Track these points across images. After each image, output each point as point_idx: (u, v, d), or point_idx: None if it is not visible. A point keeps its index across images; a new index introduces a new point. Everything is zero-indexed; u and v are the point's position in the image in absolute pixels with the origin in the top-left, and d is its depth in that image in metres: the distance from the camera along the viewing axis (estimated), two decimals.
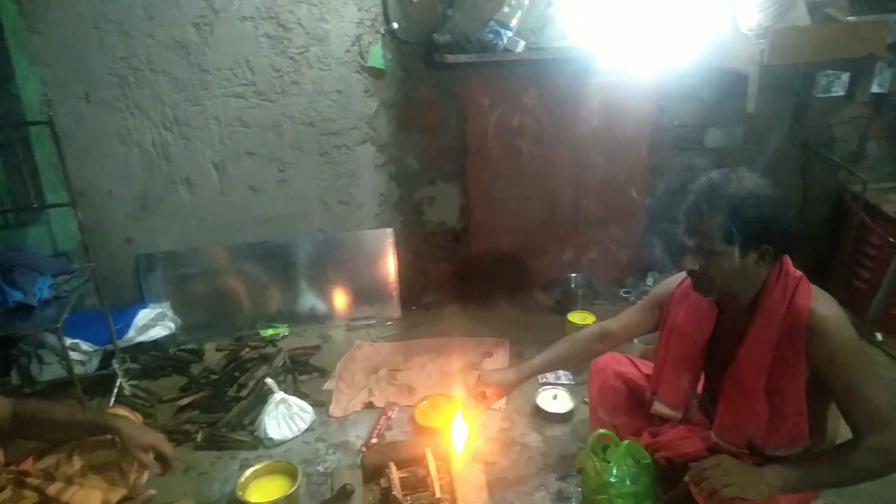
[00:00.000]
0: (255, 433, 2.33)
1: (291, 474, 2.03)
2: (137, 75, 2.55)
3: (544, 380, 2.57)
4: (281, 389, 2.52)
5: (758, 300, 1.55)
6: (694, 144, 3.15)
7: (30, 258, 2.23)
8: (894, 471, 1.48)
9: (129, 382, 2.63)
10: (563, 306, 3.04)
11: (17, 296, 2.09)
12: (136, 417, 1.85)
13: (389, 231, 3.04)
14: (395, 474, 1.93)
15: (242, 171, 2.81)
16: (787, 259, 1.55)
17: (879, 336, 2.75)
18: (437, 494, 1.86)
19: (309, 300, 3.09)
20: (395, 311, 3.15)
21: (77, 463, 1.77)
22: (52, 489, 1.68)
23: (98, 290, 2.54)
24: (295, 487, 1.96)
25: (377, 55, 2.68)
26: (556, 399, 2.43)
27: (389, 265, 3.09)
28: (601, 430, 1.97)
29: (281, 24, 2.60)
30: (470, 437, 1.89)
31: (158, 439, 1.69)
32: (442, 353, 2.82)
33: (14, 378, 2.61)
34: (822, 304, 1.47)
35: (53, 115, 2.47)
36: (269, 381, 2.41)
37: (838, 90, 2.90)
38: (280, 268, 3.02)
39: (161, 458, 1.67)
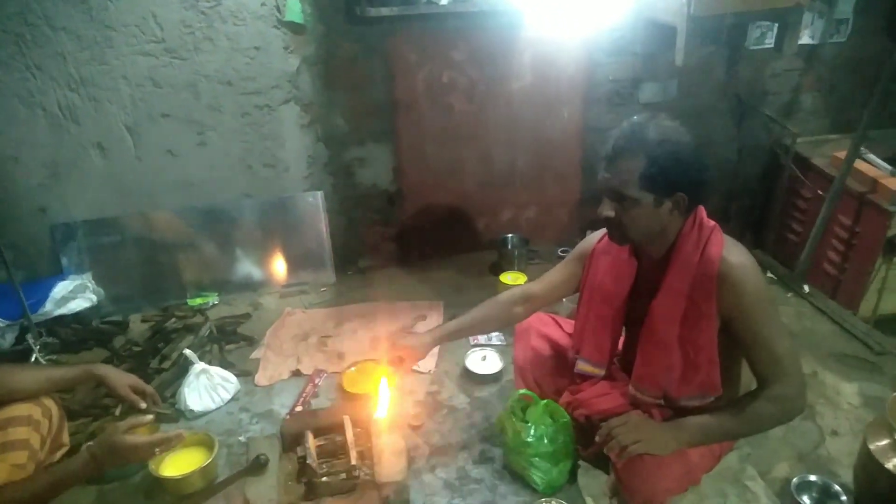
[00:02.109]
0: (177, 405, 2.27)
1: (209, 446, 1.97)
2: (35, 32, 2.38)
3: (476, 341, 2.55)
4: (206, 360, 2.46)
5: (672, 250, 1.54)
6: (628, 100, 3.10)
7: None
8: (793, 418, 1.52)
9: (47, 357, 2.53)
10: (501, 267, 3.01)
11: None
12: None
13: (319, 194, 2.94)
14: (312, 443, 1.90)
15: (158, 134, 2.67)
16: (702, 210, 1.55)
17: (807, 288, 2.79)
18: (353, 462, 1.83)
19: (239, 267, 2.99)
20: (329, 276, 3.08)
21: None
22: None
23: (4, 262, 2.42)
24: (210, 459, 1.90)
25: (295, 9, 2.54)
26: (485, 360, 2.41)
27: (322, 230, 3.00)
28: (521, 391, 1.97)
29: None
30: (392, 402, 1.85)
31: (135, 379, 1.96)
32: (375, 318, 2.77)
33: None
34: (734, 254, 1.47)
35: None
36: (187, 351, 2.33)
37: (770, 42, 2.87)
38: (207, 235, 2.91)
39: (142, 393, 1.94)
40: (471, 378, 2.37)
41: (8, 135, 2.52)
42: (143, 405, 1.92)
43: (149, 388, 1.98)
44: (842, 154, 2.61)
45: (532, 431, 1.82)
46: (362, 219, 3.09)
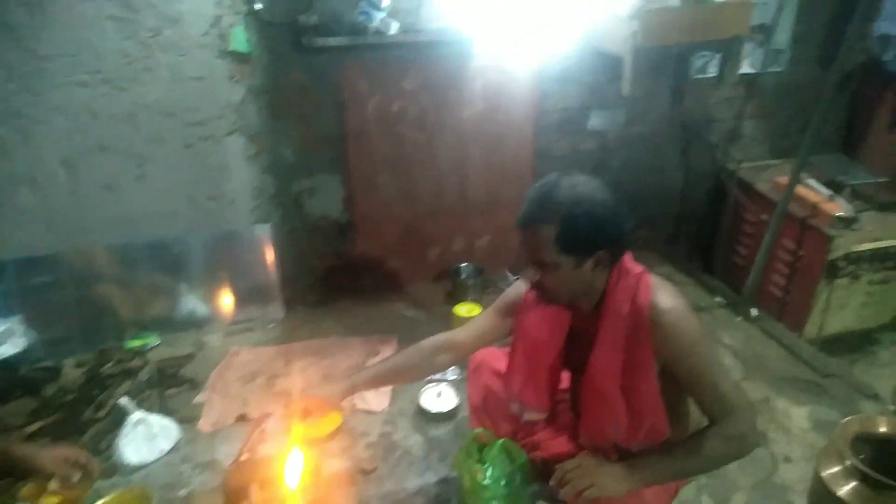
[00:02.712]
0: (112, 458, 2.12)
1: (146, 502, 1.85)
2: None
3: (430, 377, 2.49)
4: (146, 406, 2.33)
5: (602, 303, 1.52)
6: (578, 128, 3.12)
7: None
8: (748, 453, 1.50)
9: None
10: (455, 297, 2.97)
11: None
12: None
13: (267, 227, 2.85)
14: (257, 496, 1.79)
15: (95, 167, 2.53)
16: (627, 257, 1.53)
17: (754, 312, 2.83)
18: None
19: (182, 305, 2.86)
20: (278, 311, 2.97)
21: None
22: None
23: None
24: None
25: (240, 38, 2.47)
26: (440, 397, 2.35)
27: (269, 263, 2.90)
28: (477, 430, 1.91)
29: (127, 3, 2.34)
30: (306, 467, 1.72)
31: (66, 450, 1.82)
32: (326, 355, 2.68)
33: None
34: (663, 298, 1.46)
35: None
36: (122, 400, 2.20)
37: (713, 71, 2.95)
38: (148, 271, 2.77)
39: (79, 466, 1.80)
40: (425, 416, 2.31)
41: None
42: (76, 478, 1.77)
43: (83, 457, 1.81)
44: (783, 179, 2.68)
45: (489, 473, 1.76)
46: (312, 251, 3.00)
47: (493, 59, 2.75)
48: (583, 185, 1.40)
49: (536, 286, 1.53)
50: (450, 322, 2.69)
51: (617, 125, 3.15)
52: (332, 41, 2.42)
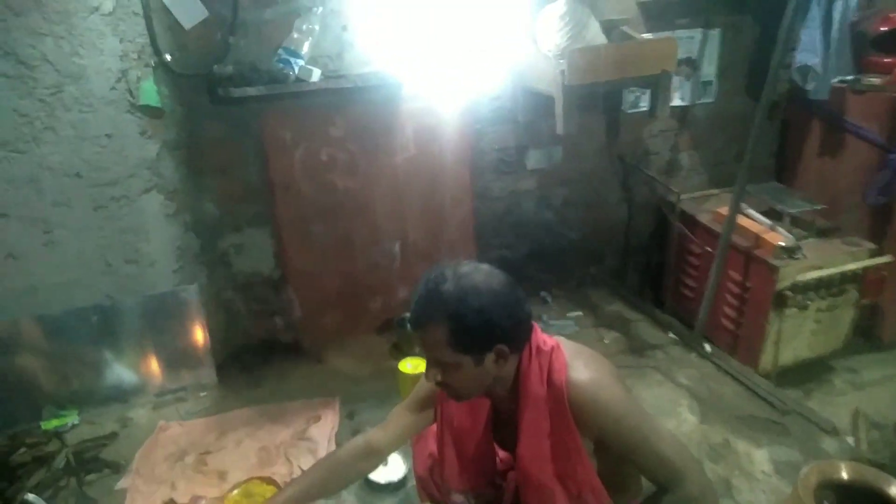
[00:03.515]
0: None
1: None
2: None
3: None
4: (62, 496, 2.10)
5: (517, 387, 1.41)
6: (516, 167, 3.07)
7: None
8: None
9: None
10: (401, 350, 2.82)
11: None
12: None
13: (193, 288, 2.66)
14: None
15: None
16: (536, 332, 1.42)
17: (708, 347, 2.78)
18: None
19: (105, 377, 2.63)
20: (210, 377, 2.76)
21: None
22: None
23: None
24: None
25: (150, 91, 2.32)
26: (386, 465, 2.17)
27: (198, 326, 2.70)
28: None
29: (21, 61, 2.17)
30: None
31: None
32: (262, 425, 2.49)
33: None
34: (579, 370, 1.35)
35: None
36: (29, 496, 1.97)
37: (645, 105, 2.94)
38: (64, 344, 2.54)
39: None
40: (371, 488, 2.14)
41: None
42: None
43: None
44: (724, 210, 2.65)
45: None
46: (245, 310, 2.82)
47: (424, 102, 2.67)
48: (469, 278, 1.30)
49: (442, 386, 1.40)
50: (396, 380, 2.54)
51: (555, 163, 3.11)
52: (251, 91, 2.29)
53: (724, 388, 2.56)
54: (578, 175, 3.17)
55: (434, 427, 1.80)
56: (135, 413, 2.62)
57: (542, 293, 3.35)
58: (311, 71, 2.37)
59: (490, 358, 1.32)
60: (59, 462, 2.29)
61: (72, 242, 2.44)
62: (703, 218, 2.93)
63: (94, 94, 2.29)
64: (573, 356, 1.38)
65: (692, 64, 3.05)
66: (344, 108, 2.60)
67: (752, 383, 2.53)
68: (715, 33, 3.04)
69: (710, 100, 3.17)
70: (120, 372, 2.66)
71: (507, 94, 2.81)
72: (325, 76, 2.45)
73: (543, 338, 1.42)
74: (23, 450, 2.39)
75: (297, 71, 2.34)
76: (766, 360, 2.62)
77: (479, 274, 1.31)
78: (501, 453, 1.66)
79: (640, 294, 3.39)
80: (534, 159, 3.07)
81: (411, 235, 2.98)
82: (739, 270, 2.69)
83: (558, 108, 2.44)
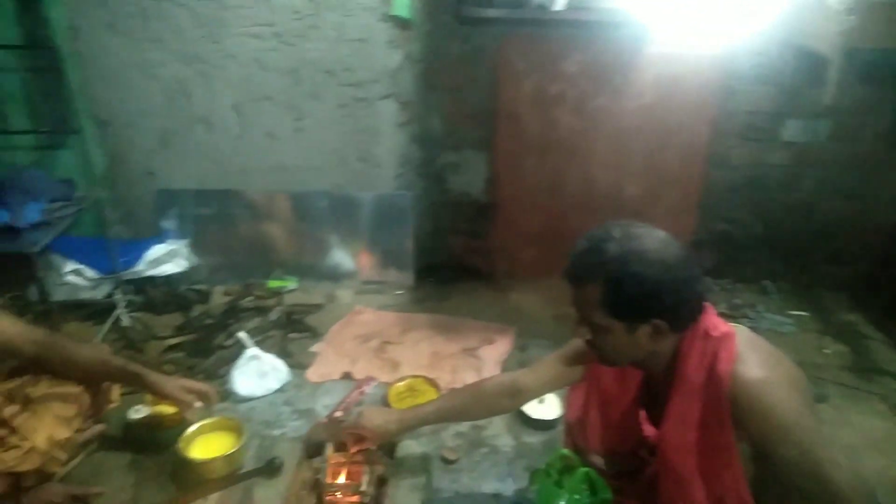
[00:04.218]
0: (226, 385, 2.28)
1: (240, 433, 1.95)
2: (158, 7, 2.49)
3: None
4: (268, 344, 2.47)
5: (674, 367, 1.28)
6: (767, 136, 2.71)
7: (29, 181, 2.26)
8: None
9: (130, 314, 2.67)
10: None
11: (3, 217, 2.12)
12: None
13: (409, 195, 2.86)
14: (330, 457, 1.80)
15: (260, 115, 2.71)
16: (709, 315, 1.26)
17: None
18: (363, 487, 1.72)
19: (322, 256, 2.99)
20: (407, 279, 2.99)
21: (42, 387, 1.80)
22: (6, 410, 1.70)
23: (104, 219, 2.58)
24: (236, 448, 1.88)
25: (403, 3, 2.46)
26: (542, 403, 2.19)
27: (407, 231, 2.92)
28: (563, 451, 1.74)
29: None
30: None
31: (190, 382, 1.88)
32: (441, 332, 2.64)
33: (33, 294, 2.72)
34: (751, 366, 1.18)
35: (78, 43, 2.49)
36: (241, 334, 2.34)
37: None
38: (296, 220, 2.94)
39: (195, 392, 1.85)
40: (522, 420, 2.17)
41: (127, 102, 2.67)
42: (198, 405, 1.87)
43: (204, 387, 1.91)
44: None
45: (562, 502, 1.60)
46: (450, 227, 2.97)
47: (671, 48, 2.46)
48: (639, 241, 1.19)
49: (590, 345, 1.34)
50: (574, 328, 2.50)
51: (816, 138, 2.68)
52: (493, 12, 2.31)
53: None
54: (845, 158, 2.70)
55: (599, 376, 1.76)
56: (340, 293, 2.95)
57: (765, 282, 3.00)
58: None
59: (645, 330, 1.23)
60: (273, 315, 2.69)
61: (317, 132, 2.75)
62: None
63: None
64: (747, 349, 1.22)
65: None
66: (583, 43, 2.51)
67: None
68: None
69: None
70: (337, 255, 3.00)
71: (773, 51, 2.45)
72: (569, 6, 2.35)
73: (716, 322, 1.27)
74: (250, 298, 2.85)
75: None
76: None
77: (651, 240, 1.20)
78: (651, 429, 1.58)
79: (891, 312, 2.85)
80: (791, 130, 2.68)
81: (627, 189, 2.83)
82: None
83: (832, 74, 2.08)
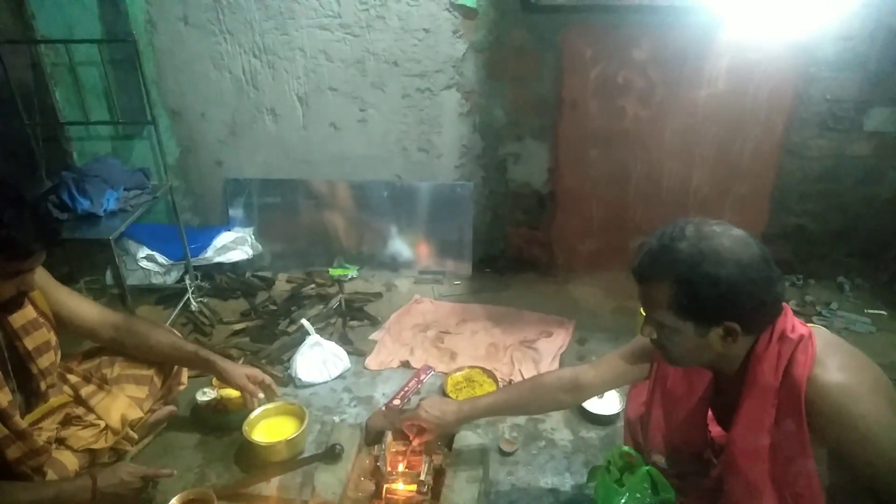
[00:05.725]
0: (289, 371, 2.34)
1: (302, 418, 2.00)
2: (230, 0, 2.55)
3: None
4: (328, 332, 2.52)
5: (746, 369, 1.22)
6: (849, 126, 2.56)
7: (107, 170, 2.37)
8: None
9: (199, 299, 2.77)
10: None
11: (84, 204, 2.23)
12: None
13: (469, 186, 2.85)
14: (390, 444, 1.82)
15: (324, 106, 2.75)
16: (787, 315, 1.20)
17: None
18: (422, 476, 1.73)
19: (382, 245, 3.02)
20: (465, 269, 2.99)
21: (117, 369, 1.89)
22: (84, 390, 1.80)
23: (174, 207, 2.68)
24: (298, 433, 1.92)
25: None
26: (601, 398, 2.16)
27: (466, 222, 2.91)
28: (624, 448, 1.71)
29: None
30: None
31: (255, 371, 1.94)
32: (498, 324, 2.63)
33: (108, 278, 2.86)
34: (830, 369, 1.12)
35: (154, 36, 2.59)
36: (304, 321, 2.39)
37: None
38: (358, 209, 2.97)
39: (259, 383, 1.92)
40: (581, 414, 2.14)
41: (199, 93, 2.76)
42: (261, 395, 1.94)
43: (267, 378, 1.97)
44: None
45: (623, 500, 1.57)
46: (509, 218, 2.94)
47: (747, 33, 2.35)
48: (712, 240, 1.13)
49: (656, 345, 1.28)
50: (636, 323, 2.45)
51: None
52: (561, 0, 2.26)
53: None
54: None
55: (665, 373, 1.72)
56: (399, 282, 2.97)
57: (841, 279, 2.85)
58: None
59: (717, 332, 1.17)
60: (334, 303, 2.74)
61: (379, 123, 2.77)
62: None
63: None
64: (827, 352, 1.16)
65: None
66: (651, 30, 2.43)
67: None
68: None
69: None
70: (397, 244, 3.03)
71: (861, 33, 2.31)
72: None
73: (794, 323, 1.21)
74: (312, 286, 2.91)
75: None
76: None
77: (727, 239, 1.14)
78: (718, 430, 1.52)
79: None
80: (877, 119, 2.53)
81: (695, 181, 2.74)
82: None
83: None
